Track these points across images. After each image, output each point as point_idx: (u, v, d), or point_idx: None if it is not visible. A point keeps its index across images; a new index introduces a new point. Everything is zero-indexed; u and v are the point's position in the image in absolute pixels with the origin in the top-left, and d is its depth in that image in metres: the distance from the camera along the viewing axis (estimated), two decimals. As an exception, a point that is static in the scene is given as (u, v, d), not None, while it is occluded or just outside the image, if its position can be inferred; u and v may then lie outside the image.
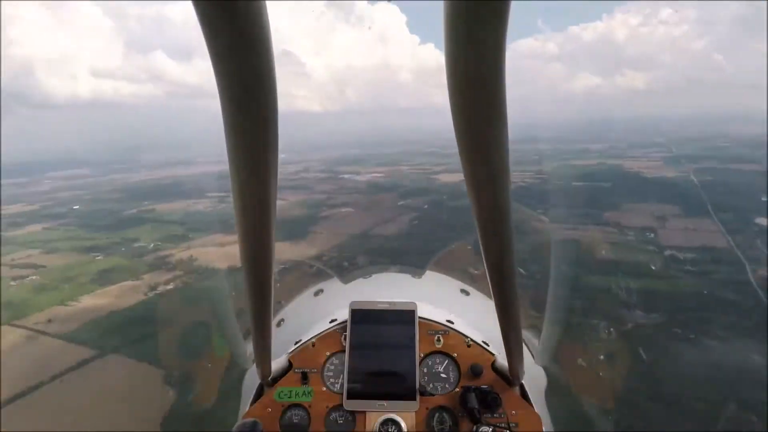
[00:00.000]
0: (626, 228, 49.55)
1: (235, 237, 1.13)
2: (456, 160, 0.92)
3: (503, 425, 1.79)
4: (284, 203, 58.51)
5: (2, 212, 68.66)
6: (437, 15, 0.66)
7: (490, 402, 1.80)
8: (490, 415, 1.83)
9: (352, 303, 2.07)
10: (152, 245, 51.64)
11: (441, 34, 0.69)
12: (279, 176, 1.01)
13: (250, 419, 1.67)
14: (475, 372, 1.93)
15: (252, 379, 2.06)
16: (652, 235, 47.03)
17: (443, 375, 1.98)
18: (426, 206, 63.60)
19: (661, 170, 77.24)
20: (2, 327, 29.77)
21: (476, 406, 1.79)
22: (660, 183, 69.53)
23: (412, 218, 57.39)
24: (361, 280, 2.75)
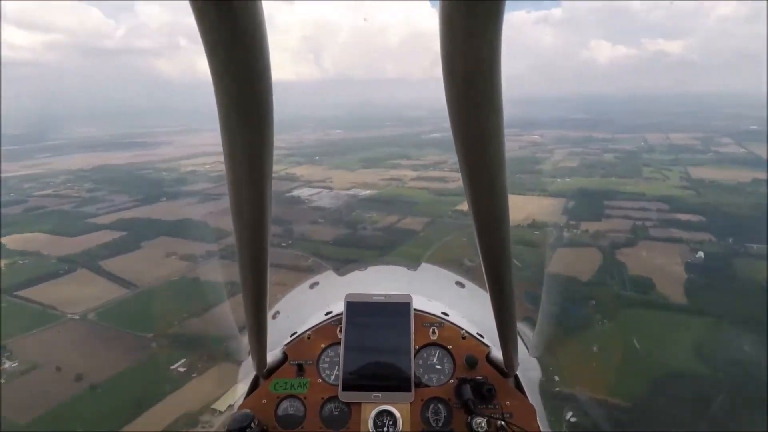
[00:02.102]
0: None
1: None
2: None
3: (497, 416, 1.81)
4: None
5: None
6: None
7: (484, 393, 1.82)
8: (484, 406, 1.85)
9: (348, 295, 2.05)
10: None
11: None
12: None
13: (243, 411, 1.72)
14: (470, 364, 1.95)
15: (247, 370, 2.06)
16: None
17: (438, 367, 1.99)
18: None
19: None
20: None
21: (471, 397, 1.81)
22: None
23: None
24: (356, 272, 2.73)
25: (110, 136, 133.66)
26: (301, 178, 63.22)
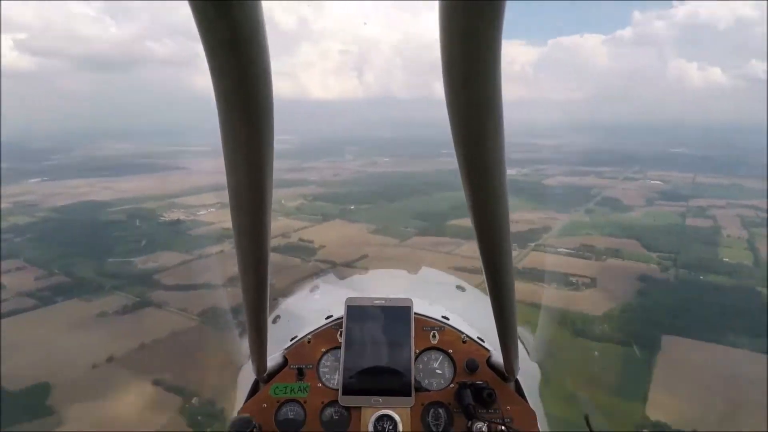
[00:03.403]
0: None
1: None
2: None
3: (498, 420, 1.81)
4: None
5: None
6: None
7: (485, 398, 1.83)
8: (485, 411, 1.85)
9: (348, 299, 2.05)
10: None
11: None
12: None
13: (243, 415, 1.72)
14: (471, 368, 1.95)
15: (247, 374, 2.06)
16: None
17: (438, 371, 1.99)
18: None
19: None
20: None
21: (471, 402, 1.81)
22: None
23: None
24: (357, 276, 2.73)
25: (132, 156, 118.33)
26: (318, 253, 39.43)
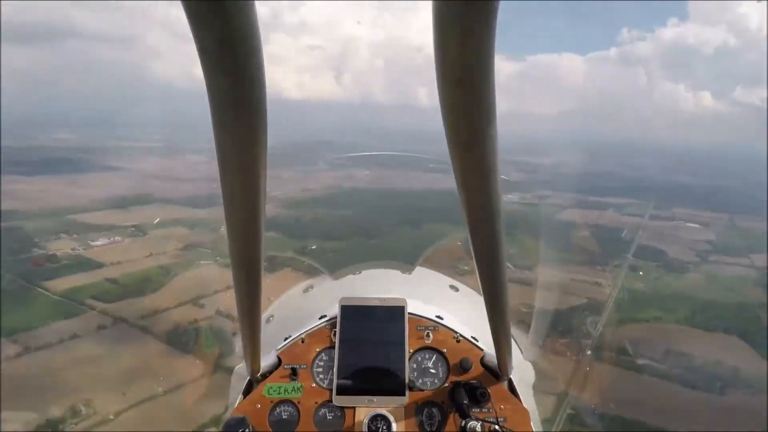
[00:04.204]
0: None
1: None
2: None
3: (491, 420, 1.83)
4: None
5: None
6: None
7: (478, 397, 1.84)
8: (478, 410, 1.87)
9: (342, 299, 2.07)
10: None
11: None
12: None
13: (238, 415, 1.73)
14: (464, 367, 1.96)
15: (241, 375, 2.06)
16: None
17: (432, 370, 2.00)
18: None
19: None
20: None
21: (465, 401, 1.82)
22: None
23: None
24: (351, 276, 2.72)
25: (68, 150, 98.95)
26: (238, 348, 23.38)
